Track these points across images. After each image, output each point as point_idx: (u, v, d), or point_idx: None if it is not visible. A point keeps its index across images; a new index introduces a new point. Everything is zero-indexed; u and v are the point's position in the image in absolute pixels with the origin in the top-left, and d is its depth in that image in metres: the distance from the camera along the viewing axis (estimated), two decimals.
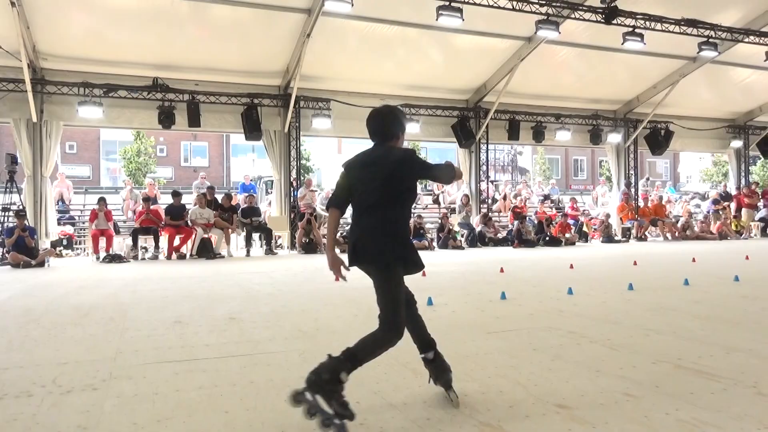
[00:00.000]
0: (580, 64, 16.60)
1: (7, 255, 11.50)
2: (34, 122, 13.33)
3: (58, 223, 14.41)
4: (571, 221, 17.85)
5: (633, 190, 19.85)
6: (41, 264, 11.30)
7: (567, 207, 19.65)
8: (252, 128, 14.72)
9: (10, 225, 12.10)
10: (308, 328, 4.77)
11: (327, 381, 2.58)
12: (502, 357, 3.81)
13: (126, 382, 3.33)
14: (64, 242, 14.19)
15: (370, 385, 3.23)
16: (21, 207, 12.64)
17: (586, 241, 17.80)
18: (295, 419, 2.74)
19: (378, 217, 2.78)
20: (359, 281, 8.02)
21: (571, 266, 9.77)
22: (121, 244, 13.58)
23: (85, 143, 33.55)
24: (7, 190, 12.77)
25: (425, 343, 3.07)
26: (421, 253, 10.52)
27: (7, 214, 12.66)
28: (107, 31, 12.72)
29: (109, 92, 13.70)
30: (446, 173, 2.75)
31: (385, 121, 3.06)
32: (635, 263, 10.22)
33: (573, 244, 16.64)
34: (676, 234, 18.66)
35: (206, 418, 2.79)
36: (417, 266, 2.90)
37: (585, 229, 18.20)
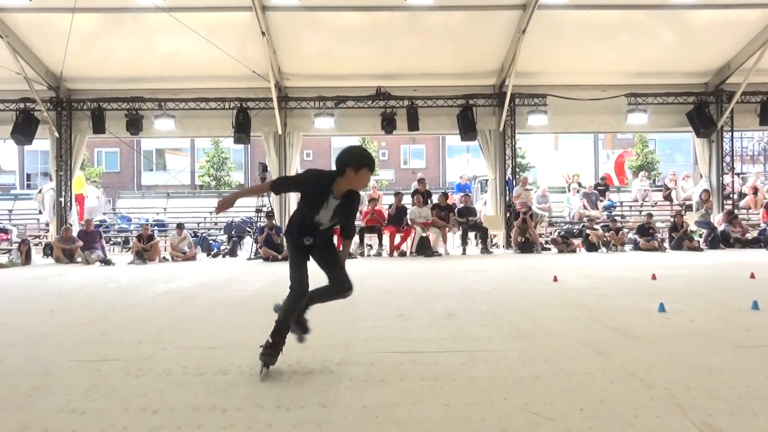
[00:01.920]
0: None
1: (259, 250, 13.34)
2: (279, 134, 15.29)
3: None
4: None
5: None
6: (285, 258, 12.86)
7: None
8: (467, 129, 14.95)
9: (261, 224, 14.02)
10: (526, 329, 4.68)
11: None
12: (756, 376, 3.29)
13: (357, 368, 3.62)
14: None
15: (595, 393, 3.05)
16: (270, 209, 14.57)
17: None
18: (516, 419, 2.71)
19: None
20: (579, 283, 7.60)
21: None
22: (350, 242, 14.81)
23: (320, 151, 37.30)
24: (260, 194, 14.85)
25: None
26: (650, 254, 9.72)
27: (259, 215, 14.70)
28: (336, 48, 14.03)
29: (339, 104, 15.10)
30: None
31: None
32: None
33: None
34: None
35: (428, 408, 2.90)
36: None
37: None
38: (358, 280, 8.52)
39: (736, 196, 16.71)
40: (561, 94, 15.06)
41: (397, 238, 14.07)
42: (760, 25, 13.55)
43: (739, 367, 3.48)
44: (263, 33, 12.90)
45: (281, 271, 10.39)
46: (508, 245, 14.70)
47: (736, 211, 15.65)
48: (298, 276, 3.62)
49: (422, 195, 14.72)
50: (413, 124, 14.96)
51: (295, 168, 15.81)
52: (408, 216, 14.30)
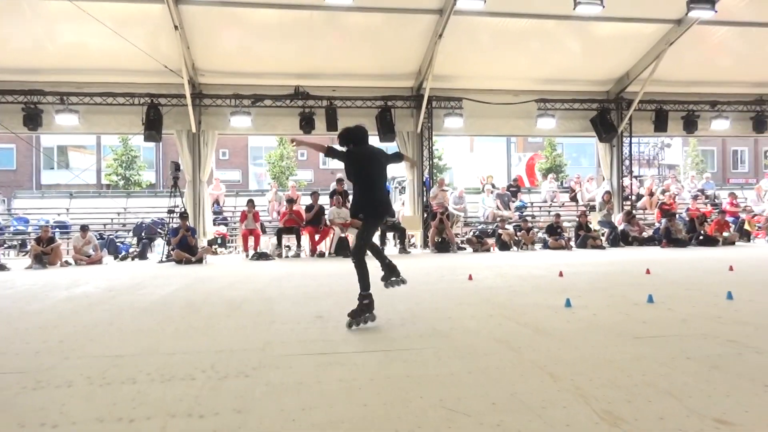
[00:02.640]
0: (741, 45, 14.96)
1: (171, 252, 12.83)
2: (193, 133, 14.77)
3: (214, 224, 15.84)
4: (729, 219, 16.21)
5: None
6: (200, 261, 12.46)
7: (725, 203, 17.87)
8: (386, 130, 15.08)
9: (175, 226, 13.49)
10: (442, 327, 4.79)
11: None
12: (650, 364, 3.55)
13: (274, 371, 3.57)
14: (219, 241, 15.56)
15: (506, 387, 3.17)
16: (183, 209, 14.05)
17: (749, 240, 16.06)
18: (430, 416, 2.77)
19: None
20: (493, 282, 7.85)
21: (731, 268, 8.84)
22: (267, 242, 14.57)
23: (236, 150, 36.42)
24: (172, 194, 14.28)
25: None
26: (558, 253, 10.25)
27: (172, 216, 14.14)
28: (254, 45, 13.74)
29: (256, 102, 14.80)
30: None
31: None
32: None
33: (732, 243, 15.09)
34: None
35: (346, 409, 2.90)
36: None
37: (747, 227, 16.42)
38: (275, 282, 8.44)
39: (634, 198, 17.89)
40: (476, 98, 15.53)
41: (316, 239, 13.98)
42: (655, 38, 14.60)
43: (636, 356, 3.73)
44: (176, 27, 12.41)
45: (195, 273, 10.06)
46: (425, 245, 14.98)
47: (634, 211, 16.76)
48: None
49: (341, 195, 14.72)
50: (332, 125, 14.90)
51: (209, 167, 15.33)
52: (326, 216, 14.25)
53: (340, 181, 15.62)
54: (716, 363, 3.55)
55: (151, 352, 4.10)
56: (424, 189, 15.77)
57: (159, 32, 12.83)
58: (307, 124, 14.92)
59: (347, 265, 11.07)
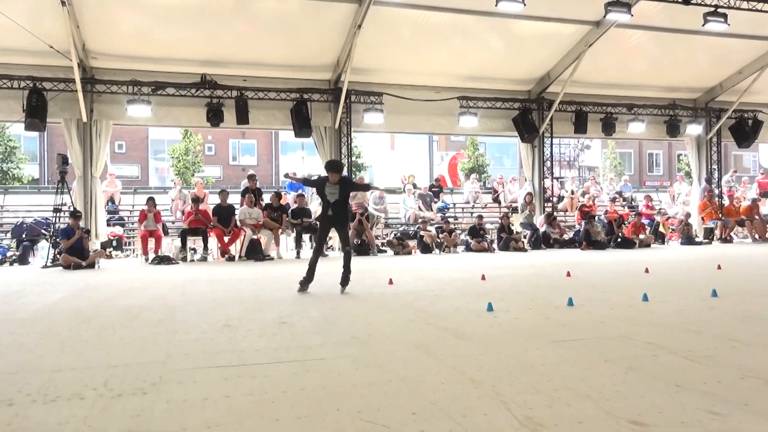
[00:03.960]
0: (656, 49, 16.06)
1: (58, 256, 12.09)
2: (84, 122, 13.98)
3: (108, 224, 15.07)
4: (645, 221, 17.32)
5: (717, 186, 19.04)
6: (91, 265, 11.82)
7: (641, 205, 19.07)
8: (301, 125, 14.96)
9: (63, 226, 12.71)
10: (360, 334, 4.81)
11: None
12: (569, 368, 3.73)
13: (176, 387, 3.44)
14: (114, 243, 14.83)
15: (427, 395, 3.22)
16: (74, 208, 13.27)
17: (663, 242, 17.23)
18: (347, 428, 2.76)
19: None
20: (414, 285, 7.97)
21: (647, 270, 9.47)
22: (170, 245, 14.06)
23: (134, 142, 34.94)
24: (59, 191, 13.43)
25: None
26: (480, 255, 10.84)
27: (58, 215, 13.31)
28: (155, 29, 13.21)
29: (158, 90, 14.22)
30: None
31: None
32: (719, 267, 9.79)
33: (648, 246, 16.12)
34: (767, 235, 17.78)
35: (257, 425, 2.85)
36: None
37: (662, 229, 17.63)
38: (179, 288, 8.16)
39: (555, 199, 18.74)
40: (396, 93, 15.72)
41: (225, 242, 13.63)
42: (575, 39, 15.38)
43: (555, 361, 3.91)
44: (63, 2, 11.69)
45: (86, 279, 9.53)
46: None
47: (555, 213, 17.56)
48: (320, 239, 7.84)
49: (253, 193, 14.45)
50: (242, 117, 14.60)
51: (103, 161, 14.56)
52: (236, 216, 13.94)
53: (251, 177, 15.33)
54: (632, 364, 3.78)
55: (32, 369, 3.84)
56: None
57: (43, 7, 12.05)
58: (214, 116, 14.53)
59: (259, 269, 10.93)
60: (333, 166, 7.49)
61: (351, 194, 15.54)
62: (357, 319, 5.52)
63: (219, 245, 13.64)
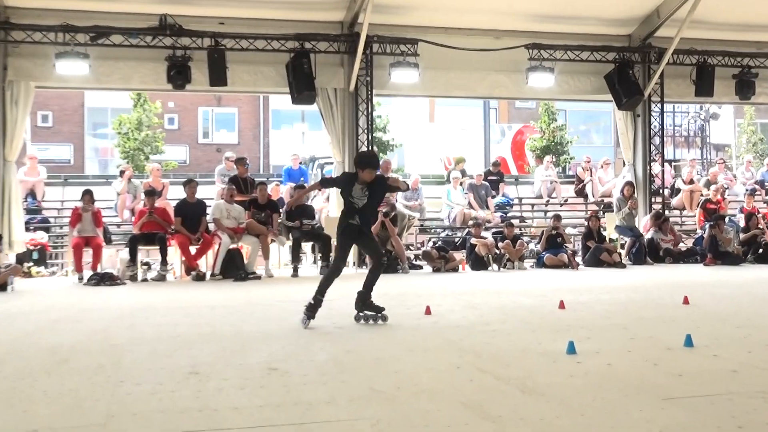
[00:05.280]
0: None
1: None
2: None
3: (27, 228, 15.24)
4: None
5: None
6: (2, 287, 11.99)
7: None
8: (302, 86, 14.99)
9: None
10: (385, 386, 4.79)
11: None
12: None
13: None
14: (35, 255, 15.00)
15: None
16: None
17: None
18: None
19: None
20: (461, 316, 7.95)
21: None
22: (114, 258, 14.20)
23: (65, 113, 35.34)
24: None
25: None
26: (558, 273, 10.99)
27: None
28: None
29: (98, 38, 14.39)
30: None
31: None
32: None
33: None
34: None
35: None
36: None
37: None
38: (126, 319, 8.24)
39: (667, 192, 18.53)
40: (438, 40, 15.67)
41: (192, 253, 13.75)
42: None
43: (668, 425, 3.84)
44: None
45: None
46: (361, 262, 14.99)
47: (667, 212, 17.36)
48: (341, 256, 7.96)
49: (243, 184, 14.51)
50: (218, 76, 14.68)
51: (20, 140, 14.73)
52: (209, 217, 14.03)
53: (241, 161, 15.40)
54: None
55: None
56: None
57: None
58: (178, 74, 14.66)
59: (240, 292, 10.97)
60: (368, 161, 7.67)
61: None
62: (380, 365, 5.50)
63: (183, 258, 13.74)
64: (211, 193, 16.38)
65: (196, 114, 36.77)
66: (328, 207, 16.33)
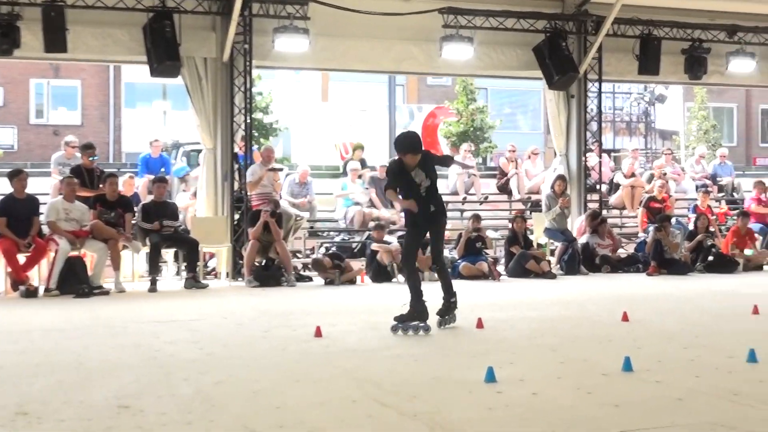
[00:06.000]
0: None
1: None
2: None
3: None
4: (756, 225, 17.69)
5: None
6: None
7: (748, 199, 19.43)
8: (163, 55, 14.78)
9: None
10: (264, 425, 4.78)
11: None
12: None
13: None
14: None
15: None
16: None
17: None
18: None
19: None
20: (359, 338, 7.99)
21: (756, 310, 9.70)
22: None
23: None
24: None
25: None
26: (476, 284, 11.73)
27: None
28: None
29: None
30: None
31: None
32: None
33: (760, 268, 16.55)
34: None
35: None
36: None
37: None
38: None
39: (605, 188, 18.93)
40: (334, 1, 15.63)
41: (21, 263, 13.41)
42: None
43: None
44: None
45: None
46: (236, 273, 14.88)
47: (604, 212, 17.74)
48: (412, 248, 8.96)
49: (87, 176, 14.20)
50: (56, 40, 14.33)
51: None
52: (43, 217, 13.70)
53: (87, 148, 15.04)
54: None
55: None
56: (237, 167, 15.65)
57: None
58: (3, 36, 14.23)
59: (83, 311, 10.71)
60: (409, 144, 8.53)
61: (251, 175, 15.64)
62: (259, 399, 5.47)
63: (9, 269, 13.38)
64: (45, 187, 16.01)
65: (27, 87, 35.90)
66: (195, 205, 16.13)
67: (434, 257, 9.51)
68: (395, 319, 8.23)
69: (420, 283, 8.52)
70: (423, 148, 8.55)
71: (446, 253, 16.03)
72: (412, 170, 8.32)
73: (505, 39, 17.22)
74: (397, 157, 8.59)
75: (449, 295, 8.56)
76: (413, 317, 8.23)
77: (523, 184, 19.79)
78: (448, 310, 8.56)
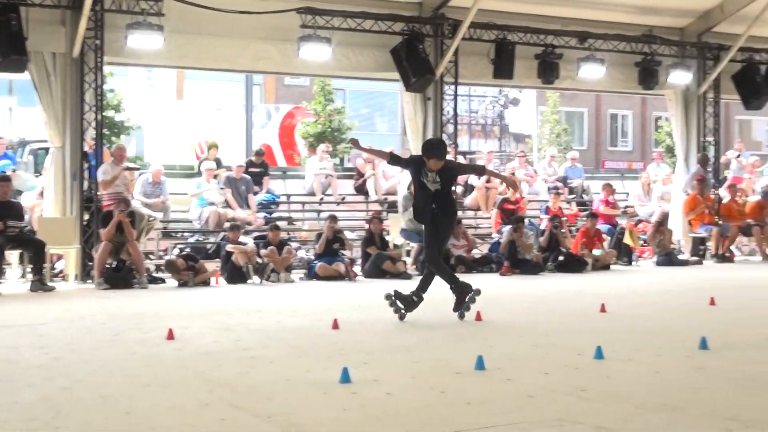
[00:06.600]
0: None
1: None
2: None
3: None
4: (604, 227, 18.28)
5: (714, 170, 20.45)
6: None
7: (597, 201, 20.02)
8: (8, 49, 14.33)
9: None
10: (112, 431, 4.68)
11: None
12: None
13: None
14: None
15: None
16: None
17: (630, 262, 18.36)
18: None
19: None
20: (212, 341, 7.91)
21: (603, 308, 10.03)
22: None
23: None
24: None
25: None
26: (333, 285, 11.56)
27: None
28: None
29: None
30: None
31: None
32: (712, 302, 10.57)
33: (607, 267, 17.10)
34: None
35: None
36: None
37: (628, 240, 18.50)
38: None
39: (460, 190, 19.21)
40: None
41: None
42: None
43: None
44: None
45: None
46: (86, 275, 14.52)
47: (460, 213, 18.02)
48: (431, 239, 9.46)
49: None
50: None
51: None
52: None
53: None
54: None
55: None
56: (86, 166, 15.27)
57: None
58: None
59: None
60: (435, 150, 9.24)
61: (102, 174, 15.27)
62: (107, 404, 5.35)
63: None
64: None
65: None
66: (42, 205, 15.65)
67: (426, 254, 9.94)
68: (456, 312, 9.12)
69: (448, 268, 9.69)
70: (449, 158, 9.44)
71: (303, 253, 16.12)
72: (429, 172, 8.88)
73: (363, 40, 17.32)
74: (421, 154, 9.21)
75: (418, 291, 9.23)
76: (463, 295, 9.08)
77: (380, 185, 19.97)
78: (410, 305, 9.23)
